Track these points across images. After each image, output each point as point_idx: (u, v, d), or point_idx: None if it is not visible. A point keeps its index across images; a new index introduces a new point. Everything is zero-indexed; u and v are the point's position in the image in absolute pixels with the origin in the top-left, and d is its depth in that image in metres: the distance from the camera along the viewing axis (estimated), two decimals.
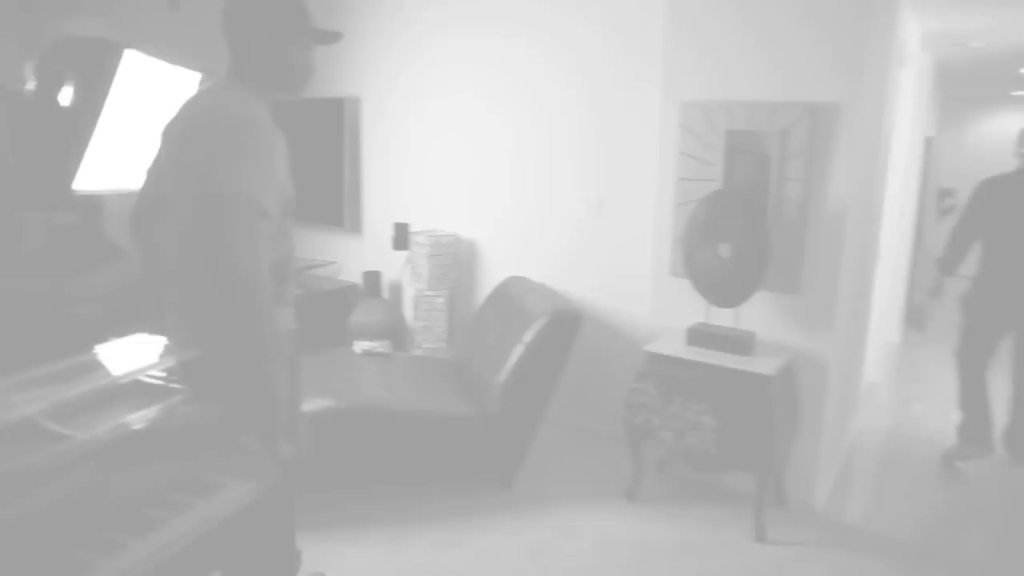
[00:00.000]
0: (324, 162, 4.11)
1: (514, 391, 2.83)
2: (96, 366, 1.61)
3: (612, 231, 3.33)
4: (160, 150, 1.69)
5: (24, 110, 2.67)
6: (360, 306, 3.95)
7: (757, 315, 2.80)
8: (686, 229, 2.78)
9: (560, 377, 2.97)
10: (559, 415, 3.44)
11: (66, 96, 2.51)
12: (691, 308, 2.90)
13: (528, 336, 2.85)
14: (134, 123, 2.92)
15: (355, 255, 4.27)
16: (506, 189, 3.62)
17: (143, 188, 1.77)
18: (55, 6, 5.69)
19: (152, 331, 1.82)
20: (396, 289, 4.11)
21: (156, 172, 1.73)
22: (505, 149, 3.59)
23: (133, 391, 1.51)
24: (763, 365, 2.55)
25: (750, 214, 2.61)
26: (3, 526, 1.12)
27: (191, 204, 1.53)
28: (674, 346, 2.77)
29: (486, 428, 2.85)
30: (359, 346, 3.32)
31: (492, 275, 3.71)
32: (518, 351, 2.85)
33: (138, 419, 1.41)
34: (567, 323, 2.88)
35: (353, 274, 4.23)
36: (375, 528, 2.62)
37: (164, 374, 1.57)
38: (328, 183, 4.14)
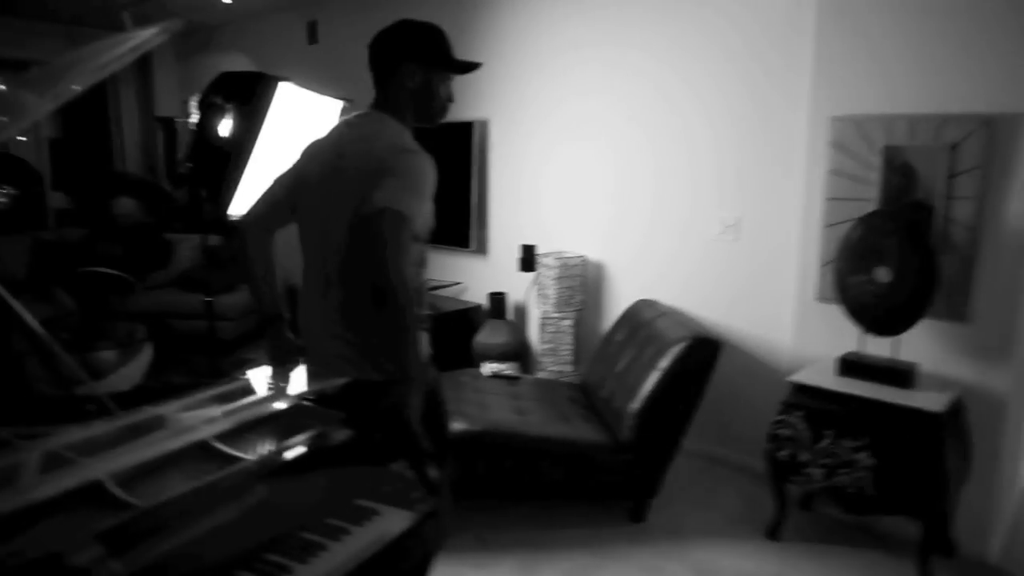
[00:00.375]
0: (452, 184, 4.18)
1: (648, 419, 2.73)
2: (251, 389, 1.67)
3: (751, 253, 3.17)
4: (304, 166, 1.75)
5: (187, 142, 2.88)
6: (485, 327, 3.97)
7: (918, 345, 2.56)
8: (838, 252, 2.60)
9: (697, 406, 2.84)
10: (694, 445, 3.28)
11: (225, 127, 2.67)
12: (841, 336, 2.70)
13: (664, 362, 2.74)
14: (282, 151, 3.09)
15: (480, 276, 4.31)
16: (637, 210, 3.54)
17: (269, 197, 1.82)
18: (208, 45, 6.16)
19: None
20: (521, 311, 4.10)
21: (293, 185, 1.77)
22: (637, 169, 3.51)
23: (287, 415, 1.54)
24: (930, 400, 2.32)
25: (913, 235, 2.40)
26: (176, 548, 1.15)
27: (350, 219, 1.59)
28: (823, 376, 2.58)
29: (618, 456, 2.76)
30: (487, 368, 3.32)
31: (621, 298, 3.62)
32: (653, 378, 2.75)
33: (295, 443, 1.44)
34: (707, 350, 2.75)
35: (478, 295, 4.26)
36: (505, 554, 2.58)
37: (315, 398, 1.60)
38: (455, 205, 4.20)
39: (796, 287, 2.93)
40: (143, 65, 6.55)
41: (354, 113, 1.77)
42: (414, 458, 1.58)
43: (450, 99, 1.75)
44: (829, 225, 2.76)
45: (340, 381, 1.62)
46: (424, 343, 1.76)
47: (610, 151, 3.61)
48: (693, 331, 2.81)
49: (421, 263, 1.72)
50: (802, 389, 2.56)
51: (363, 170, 1.57)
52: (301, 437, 1.45)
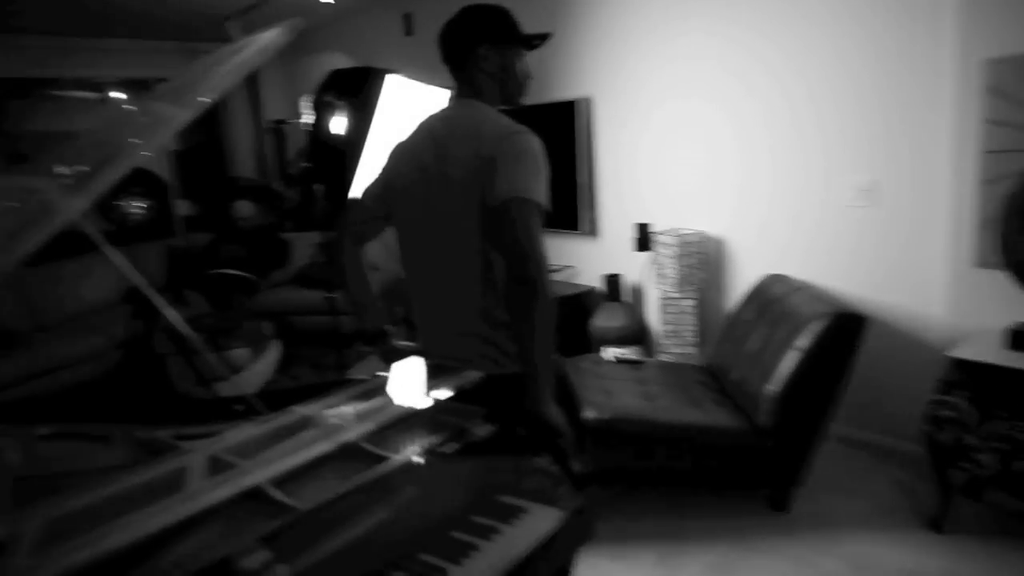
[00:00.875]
0: (558, 166, 4.07)
1: (788, 403, 2.56)
2: (387, 389, 1.66)
3: (890, 219, 2.90)
4: (395, 170, 1.70)
5: (299, 142, 2.93)
6: (601, 311, 3.88)
7: None
8: (1002, 210, 2.33)
9: (842, 388, 2.63)
10: (839, 429, 3.07)
11: (339, 124, 2.69)
12: (1006, 305, 2.43)
13: (803, 341, 2.56)
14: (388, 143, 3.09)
15: (593, 258, 4.20)
16: (758, 180, 3.33)
17: (358, 208, 1.78)
18: (308, 47, 6.33)
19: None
20: (638, 292, 3.97)
21: (383, 193, 1.73)
22: (755, 135, 3.30)
23: (428, 412, 1.52)
24: None
25: None
26: (335, 550, 1.14)
27: (472, 213, 1.53)
28: (990, 351, 2.32)
29: (756, 442, 2.61)
30: (609, 353, 3.22)
31: (745, 274, 3.43)
32: (792, 358, 2.57)
33: (438, 440, 1.41)
34: (850, 326, 2.54)
35: (591, 278, 4.16)
36: (643, 545, 2.49)
37: (454, 395, 1.56)
38: (563, 186, 4.11)
39: (948, 252, 2.67)
40: (252, 70, 6.82)
41: (439, 109, 1.70)
42: (557, 452, 1.52)
43: (528, 76, 1.70)
44: (987, 181, 2.48)
45: (476, 376, 1.58)
46: None
47: (724, 118, 3.40)
48: (833, 306, 2.61)
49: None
50: (964, 365, 2.32)
51: (475, 161, 1.51)
52: (443, 434, 1.42)
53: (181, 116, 1.35)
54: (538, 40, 1.67)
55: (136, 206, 5.86)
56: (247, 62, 1.46)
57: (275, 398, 1.82)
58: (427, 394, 1.55)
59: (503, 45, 1.62)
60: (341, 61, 5.95)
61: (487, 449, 1.47)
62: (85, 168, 1.43)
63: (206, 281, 5.13)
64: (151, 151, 1.37)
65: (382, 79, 2.68)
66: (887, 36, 2.80)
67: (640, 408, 2.70)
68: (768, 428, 2.58)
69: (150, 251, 5.63)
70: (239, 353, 4.03)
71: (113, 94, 8.10)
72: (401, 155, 1.70)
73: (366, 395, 1.62)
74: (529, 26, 1.72)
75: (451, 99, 1.67)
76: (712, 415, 2.70)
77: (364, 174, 2.87)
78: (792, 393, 2.55)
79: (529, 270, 1.41)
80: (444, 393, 1.55)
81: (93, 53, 5.96)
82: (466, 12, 1.64)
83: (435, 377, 1.65)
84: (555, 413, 1.51)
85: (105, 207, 5.77)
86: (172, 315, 1.57)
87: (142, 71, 6.35)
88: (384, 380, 1.69)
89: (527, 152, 1.50)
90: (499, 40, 1.61)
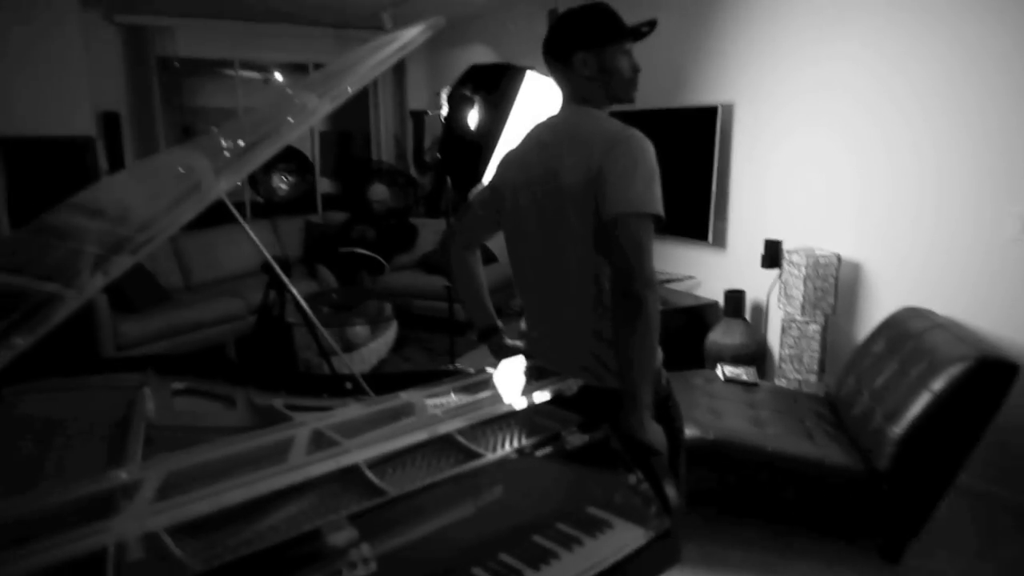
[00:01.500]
0: (690, 172, 3.98)
1: (914, 447, 2.37)
2: (492, 383, 1.69)
3: None
4: (505, 177, 1.70)
5: (435, 133, 3.02)
6: (719, 326, 3.75)
7: None
8: None
9: (979, 438, 2.41)
10: (971, 482, 2.81)
11: (473, 118, 2.75)
12: None
13: (938, 384, 2.36)
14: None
15: (717, 271, 4.07)
16: (904, 205, 3.09)
17: (469, 215, 1.81)
18: (455, 39, 6.51)
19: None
20: (760, 311, 3.80)
21: (492, 200, 1.74)
22: (902, 156, 3.06)
23: (525, 414, 1.53)
24: None
25: None
26: (418, 537, 1.18)
27: (584, 224, 1.52)
28: None
29: (872, 486, 2.44)
30: (722, 371, 3.11)
31: (881, 304, 3.20)
32: (923, 400, 2.38)
33: (532, 443, 1.42)
34: (997, 373, 2.31)
35: (713, 291, 4.03)
36: (732, 575, 2.40)
37: (552, 399, 1.56)
38: (693, 194, 4.00)
39: None
40: (399, 60, 7.11)
41: (549, 115, 1.67)
42: (650, 471, 1.49)
43: (635, 70, 1.61)
44: None
45: (577, 384, 1.57)
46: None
47: (872, 138, 3.18)
48: (979, 349, 2.38)
49: None
50: None
51: (584, 170, 1.49)
52: (537, 438, 1.43)
53: (325, 106, 1.44)
54: (646, 28, 1.60)
55: (284, 182, 6.27)
56: (387, 59, 1.53)
57: (384, 381, 1.91)
58: (527, 396, 1.56)
59: (600, 47, 1.57)
60: (486, 54, 6.09)
61: (579, 458, 1.46)
62: (242, 143, 1.56)
63: (337, 258, 5.42)
64: (297, 134, 1.46)
65: (520, 77, 2.70)
66: None
67: (747, 432, 2.60)
68: (886, 471, 2.41)
69: (292, 225, 6.02)
70: (359, 330, 4.23)
71: (276, 75, 8.72)
72: (510, 163, 1.70)
73: (469, 388, 1.66)
74: (674, 27, 1.68)
75: (560, 105, 1.65)
76: (824, 449, 2.55)
77: (491, 166, 2.92)
78: (919, 438, 2.36)
79: (635, 287, 1.40)
80: (543, 397, 1.56)
81: (260, 37, 6.42)
82: (561, 20, 1.62)
83: (537, 380, 1.66)
84: (651, 432, 1.48)
85: (256, 181, 6.21)
86: (294, 292, 1.67)
87: (301, 55, 6.78)
88: (488, 376, 1.73)
89: (637, 160, 1.46)
90: (595, 43, 1.57)
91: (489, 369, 1.79)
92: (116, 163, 5.57)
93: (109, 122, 5.56)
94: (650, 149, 1.48)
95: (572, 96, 1.62)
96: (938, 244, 2.98)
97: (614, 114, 1.60)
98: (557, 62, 1.62)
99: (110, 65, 5.65)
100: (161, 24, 5.82)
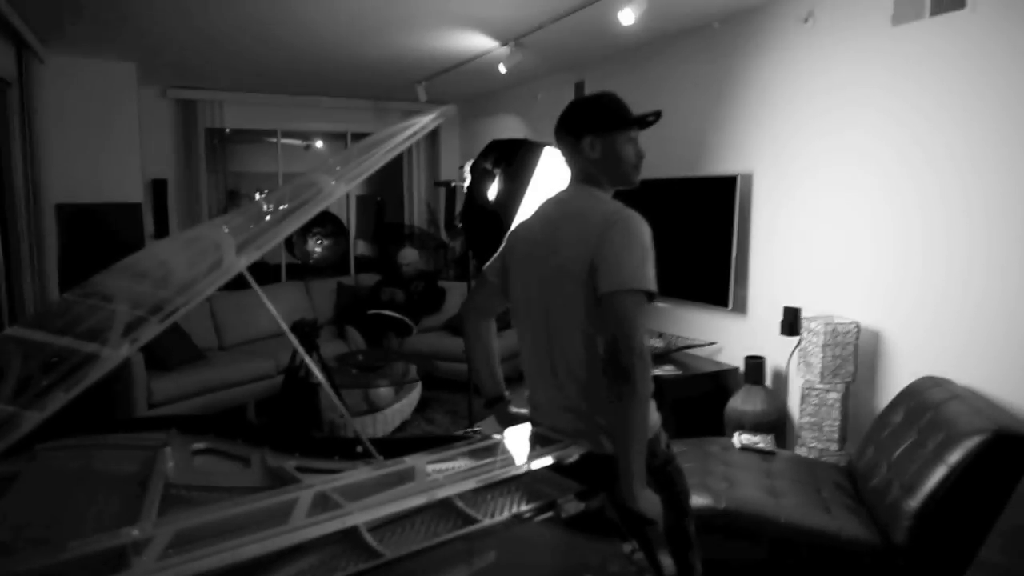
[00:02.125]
0: (711, 239, 4.05)
1: (931, 522, 2.33)
2: (495, 449, 1.74)
3: None
4: (513, 249, 1.81)
5: (461, 203, 3.16)
6: (740, 392, 3.74)
7: None
8: None
9: (998, 513, 2.36)
10: (991, 556, 2.72)
11: (493, 191, 2.88)
12: None
13: (954, 457, 2.33)
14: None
15: (737, 337, 4.08)
16: (924, 274, 3.10)
17: (481, 283, 1.90)
18: (486, 110, 6.77)
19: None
20: (781, 378, 3.79)
21: (503, 269, 1.84)
22: (925, 225, 3.09)
23: (525, 480, 1.57)
24: None
25: None
26: None
27: (579, 299, 1.60)
28: None
29: (889, 560, 2.39)
30: (739, 438, 3.10)
31: (900, 373, 3.18)
32: (939, 473, 2.35)
33: (529, 509, 1.46)
34: (1013, 447, 2.29)
35: (734, 357, 4.04)
36: None
37: (552, 466, 1.61)
38: (714, 260, 4.05)
39: None
40: (433, 130, 7.40)
41: (557, 192, 1.79)
42: (644, 541, 1.52)
43: (639, 156, 1.74)
44: None
45: (577, 451, 1.62)
46: (652, 411, 1.69)
47: (890, 206, 3.22)
48: (996, 422, 2.35)
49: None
50: None
51: (582, 247, 1.59)
52: (535, 504, 1.48)
53: (340, 189, 1.56)
54: (651, 118, 1.72)
55: (319, 245, 6.50)
56: (400, 144, 1.65)
57: (395, 445, 1.97)
58: (528, 462, 1.61)
59: (607, 132, 1.68)
60: (515, 124, 6.32)
61: (576, 525, 1.50)
62: (267, 218, 1.69)
63: (366, 320, 5.56)
64: (316, 213, 1.58)
65: (538, 151, 2.84)
66: None
67: (761, 502, 2.58)
68: (903, 546, 2.36)
69: (325, 287, 6.21)
70: (383, 392, 4.32)
71: (317, 143, 9.13)
72: (518, 236, 1.81)
73: (475, 454, 1.72)
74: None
75: (568, 183, 1.76)
76: (840, 522, 2.51)
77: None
78: (935, 511, 2.32)
79: (624, 361, 1.47)
80: (544, 463, 1.61)
81: (301, 109, 6.78)
82: (574, 104, 1.76)
83: (539, 447, 1.71)
84: (644, 500, 1.51)
85: (292, 244, 6.45)
86: (306, 358, 1.76)
87: (340, 125, 7.12)
88: (495, 442, 1.79)
89: (631, 239, 1.56)
90: (602, 129, 1.69)
91: (496, 436, 1.85)
92: (161, 227, 5.85)
93: (157, 188, 5.88)
94: (644, 229, 1.59)
95: (579, 175, 1.75)
96: (958, 312, 2.97)
97: (630, 192, 1.72)
98: (567, 143, 1.75)
99: (161, 135, 6.02)
100: (210, 98, 6.19)
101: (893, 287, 3.23)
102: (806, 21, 3.56)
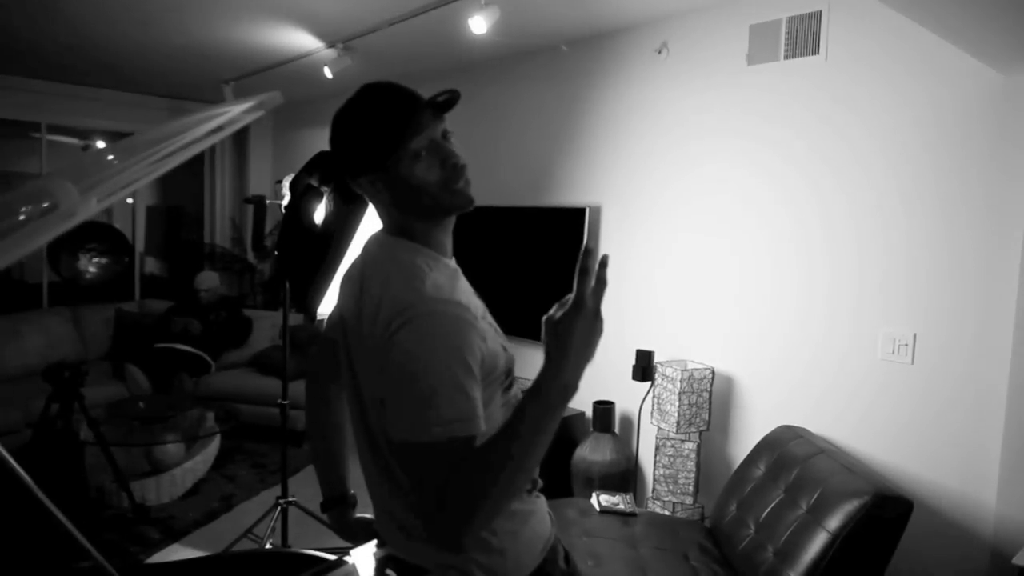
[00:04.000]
0: (558, 273, 3.76)
1: None
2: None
3: (932, 378, 2.57)
4: (339, 304, 1.28)
5: (276, 223, 2.58)
6: (587, 441, 3.47)
7: None
8: None
9: None
10: None
11: (320, 214, 2.35)
12: None
13: (835, 522, 2.16)
14: None
15: (584, 380, 3.81)
16: (777, 319, 3.01)
17: (321, 342, 1.41)
18: (305, 120, 6.10)
19: None
20: (628, 424, 3.57)
21: (337, 326, 1.28)
22: (778, 270, 3.01)
23: None
24: None
25: None
26: None
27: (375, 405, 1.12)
28: None
29: None
30: (598, 500, 2.79)
31: (755, 420, 3.06)
32: (820, 540, 2.17)
33: None
34: (893, 510, 2.16)
35: (580, 402, 3.76)
36: None
37: None
38: (558, 295, 3.76)
39: (1008, 432, 2.33)
40: (240, 137, 6.56)
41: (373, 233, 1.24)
42: None
43: (449, 163, 1.11)
44: None
45: None
46: (540, 520, 1.26)
47: (744, 248, 3.12)
48: (873, 483, 2.22)
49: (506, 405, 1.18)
50: None
51: (373, 349, 1.06)
52: None
53: (90, 207, 0.99)
54: (443, 96, 1.13)
55: (93, 263, 5.41)
56: (199, 140, 1.11)
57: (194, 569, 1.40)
58: None
59: (381, 163, 1.10)
60: None
61: None
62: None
63: (153, 355, 4.64)
64: (43, 243, 0.99)
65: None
66: (929, 172, 2.55)
67: None
68: None
69: (99, 314, 5.16)
70: (170, 449, 3.52)
71: (98, 143, 7.80)
72: (343, 286, 1.27)
73: None
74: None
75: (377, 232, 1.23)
76: None
77: (342, 271, 2.50)
78: None
79: (434, 537, 0.98)
80: None
81: (77, 101, 5.67)
82: (332, 136, 1.16)
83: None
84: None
85: (58, 259, 5.30)
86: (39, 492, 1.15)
87: (128, 124, 6.06)
88: (345, 570, 1.28)
89: (411, 364, 0.99)
90: (371, 163, 1.10)
91: (349, 559, 1.34)
92: None
93: None
94: (434, 339, 1.00)
95: (385, 225, 1.19)
96: (811, 361, 2.90)
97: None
98: (347, 193, 1.17)
99: None
100: None
101: (748, 333, 3.12)
102: (660, 52, 3.41)
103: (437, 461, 0.95)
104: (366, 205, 2.29)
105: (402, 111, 1.09)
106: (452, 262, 1.20)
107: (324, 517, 1.47)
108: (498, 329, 1.21)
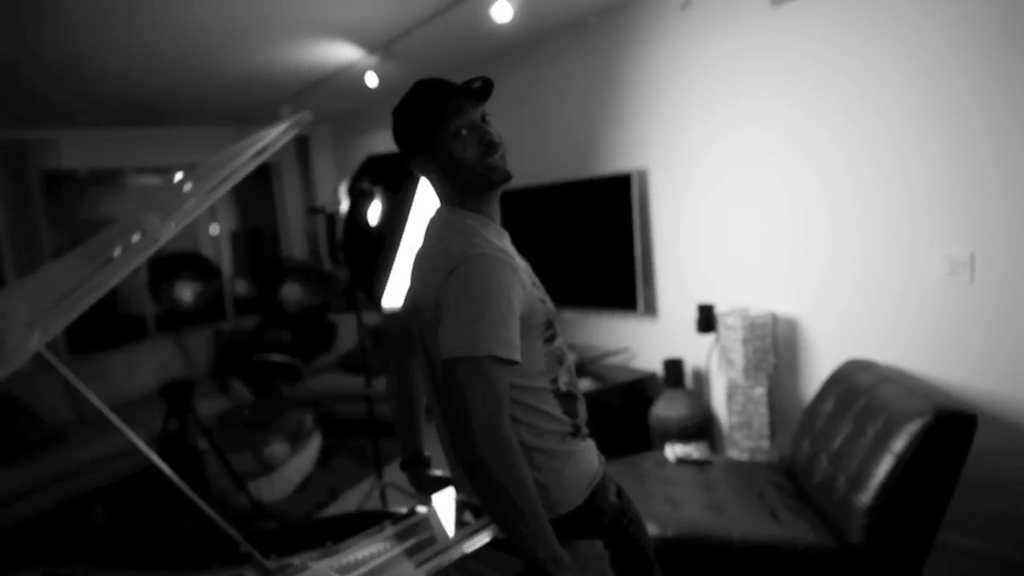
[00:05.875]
0: (612, 241, 3.86)
1: (886, 515, 2.19)
2: (420, 530, 1.42)
3: (991, 296, 2.54)
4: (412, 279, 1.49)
5: (341, 229, 2.82)
6: (661, 398, 3.56)
7: None
8: None
9: (949, 495, 2.25)
10: (948, 537, 2.65)
11: (374, 213, 2.54)
12: None
13: (899, 444, 2.20)
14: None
15: (651, 341, 3.91)
16: (833, 255, 3.02)
17: (401, 314, 1.58)
18: (360, 128, 6.37)
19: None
20: (702, 378, 3.65)
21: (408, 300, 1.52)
22: (829, 203, 3.01)
23: (460, 562, 1.28)
24: None
25: None
26: None
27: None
28: None
29: (849, 562, 2.23)
30: (671, 451, 2.90)
31: (822, 359, 3.09)
32: (887, 463, 2.21)
33: None
34: (956, 426, 2.18)
35: (650, 362, 3.86)
36: None
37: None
38: (617, 264, 3.87)
39: None
40: (303, 153, 6.91)
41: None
42: None
43: (485, 142, 1.30)
44: None
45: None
46: (585, 459, 1.40)
47: (792, 189, 3.13)
48: (935, 402, 2.25)
49: (559, 361, 1.36)
50: None
51: (431, 295, 1.29)
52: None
53: (169, 230, 1.19)
54: (478, 83, 1.32)
55: (188, 290, 5.87)
56: (246, 164, 1.30)
57: (292, 536, 1.61)
58: (461, 542, 1.30)
59: (427, 145, 1.32)
60: (391, 140, 5.96)
61: None
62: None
63: (251, 368, 5.03)
64: (137, 264, 1.20)
65: None
66: (981, 86, 2.51)
67: (708, 522, 2.37)
68: (861, 545, 2.21)
69: (199, 337, 5.60)
70: (277, 449, 3.85)
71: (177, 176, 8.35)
72: (412, 266, 1.47)
73: (398, 536, 1.39)
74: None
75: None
76: (792, 529, 2.34)
77: (401, 262, 2.69)
78: (889, 505, 2.18)
79: (463, 452, 1.15)
80: (480, 541, 1.30)
81: (155, 142, 6.13)
82: (393, 132, 1.39)
83: (473, 519, 1.40)
84: (555, 564, 1.19)
85: (157, 291, 5.80)
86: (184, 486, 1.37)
87: (203, 155, 6.49)
88: (420, 518, 1.46)
89: (464, 292, 1.21)
90: (420, 143, 1.33)
91: (421, 508, 1.52)
92: None
93: None
94: (485, 275, 1.22)
95: (440, 198, 1.41)
96: (870, 292, 2.90)
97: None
98: (410, 175, 1.44)
99: None
100: (42, 137, 5.46)
101: (803, 272, 3.14)
102: (684, 8, 3.44)
103: (479, 376, 1.15)
104: (413, 197, 2.48)
105: (442, 97, 1.30)
106: (500, 228, 1.40)
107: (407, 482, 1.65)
108: (538, 283, 1.39)
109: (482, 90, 1.32)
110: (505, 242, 1.36)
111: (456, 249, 1.26)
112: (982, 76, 2.48)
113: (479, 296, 1.19)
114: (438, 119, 1.29)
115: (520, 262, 1.36)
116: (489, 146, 1.30)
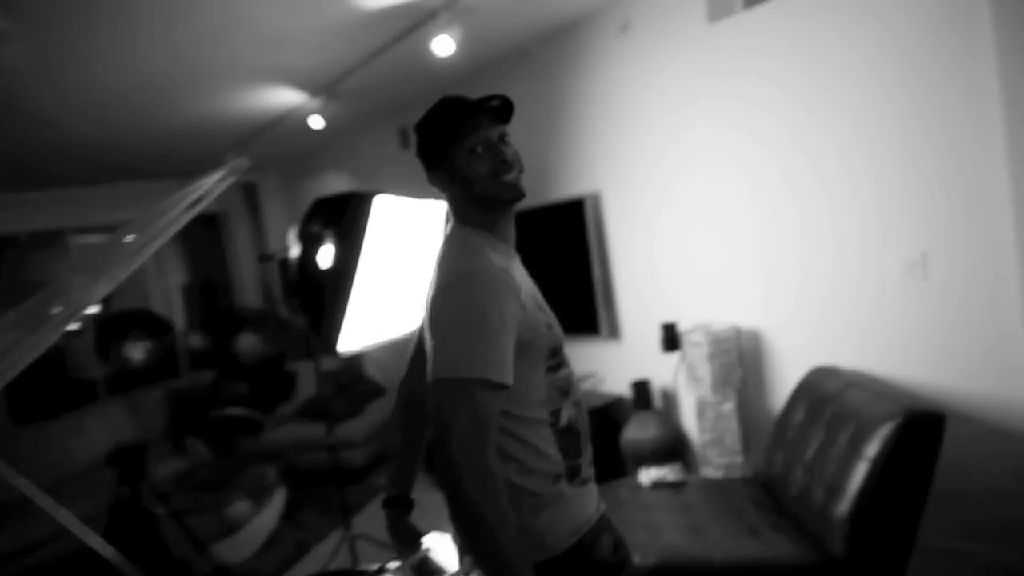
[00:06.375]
0: (571, 267, 3.84)
1: (865, 524, 2.17)
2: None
3: (948, 292, 2.58)
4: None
5: (293, 274, 2.74)
6: (631, 421, 3.52)
7: None
8: None
9: (926, 497, 2.24)
10: (925, 539, 2.64)
11: (327, 256, 2.47)
12: None
13: (871, 449, 2.19)
14: (391, 267, 2.87)
15: (617, 364, 3.88)
16: (788, 261, 3.04)
17: (412, 354, 1.52)
18: (308, 170, 6.29)
19: None
20: (670, 397, 3.62)
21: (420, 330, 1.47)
22: (775, 216, 3.04)
23: None
24: None
25: None
26: None
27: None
28: None
29: (830, 575, 2.20)
30: (646, 476, 2.85)
31: (787, 369, 3.09)
32: (861, 470, 2.20)
33: None
34: (926, 427, 2.18)
35: (618, 385, 3.83)
36: None
37: None
38: (577, 288, 3.85)
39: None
40: (252, 200, 6.79)
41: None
42: None
43: (498, 159, 1.30)
44: None
45: None
46: (576, 506, 1.33)
47: (741, 204, 3.16)
48: (903, 404, 2.25)
49: (563, 393, 1.32)
50: None
51: (424, 314, 1.30)
52: None
53: (100, 290, 1.11)
54: (496, 102, 1.34)
55: (138, 348, 5.66)
56: (180, 216, 1.23)
57: None
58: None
59: (442, 159, 1.34)
60: (341, 181, 5.89)
61: None
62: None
63: (208, 424, 4.84)
64: (66, 328, 1.12)
65: (367, 203, 2.47)
66: (923, 91, 2.57)
67: (688, 547, 2.32)
68: (843, 557, 2.18)
69: (151, 396, 5.38)
70: (239, 508, 3.68)
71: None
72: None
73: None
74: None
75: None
76: (773, 546, 2.31)
77: (361, 307, 2.62)
78: (868, 512, 2.16)
79: (442, 477, 1.09)
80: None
81: (95, 200, 5.95)
82: (416, 147, 1.41)
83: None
84: None
85: (106, 352, 5.57)
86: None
87: (148, 210, 6.31)
88: (422, 554, 1.39)
89: (452, 310, 1.19)
90: (437, 159, 1.34)
91: (393, 565, 1.44)
92: None
93: None
94: (474, 293, 1.18)
95: (454, 216, 1.39)
96: (828, 298, 2.92)
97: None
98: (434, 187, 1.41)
99: None
100: None
101: (760, 284, 3.16)
102: (623, 30, 3.48)
103: (460, 397, 1.10)
104: (362, 239, 2.42)
105: (459, 114, 1.32)
106: (511, 249, 1.38)
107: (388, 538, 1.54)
108: (545, 308, 1.35)
109: (502, 109, 1.34)
110: (512, 263, 1.34)
111: (453, 266, 1.25)
112: (932, 82, 2.52)
113: (468, 315, 1.16)
114: (454, 135, 1.30)
115: (527, 284, 1.33)
116: (502, 164, 1.30)
